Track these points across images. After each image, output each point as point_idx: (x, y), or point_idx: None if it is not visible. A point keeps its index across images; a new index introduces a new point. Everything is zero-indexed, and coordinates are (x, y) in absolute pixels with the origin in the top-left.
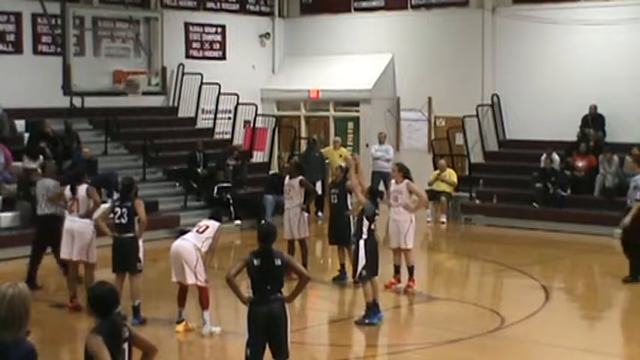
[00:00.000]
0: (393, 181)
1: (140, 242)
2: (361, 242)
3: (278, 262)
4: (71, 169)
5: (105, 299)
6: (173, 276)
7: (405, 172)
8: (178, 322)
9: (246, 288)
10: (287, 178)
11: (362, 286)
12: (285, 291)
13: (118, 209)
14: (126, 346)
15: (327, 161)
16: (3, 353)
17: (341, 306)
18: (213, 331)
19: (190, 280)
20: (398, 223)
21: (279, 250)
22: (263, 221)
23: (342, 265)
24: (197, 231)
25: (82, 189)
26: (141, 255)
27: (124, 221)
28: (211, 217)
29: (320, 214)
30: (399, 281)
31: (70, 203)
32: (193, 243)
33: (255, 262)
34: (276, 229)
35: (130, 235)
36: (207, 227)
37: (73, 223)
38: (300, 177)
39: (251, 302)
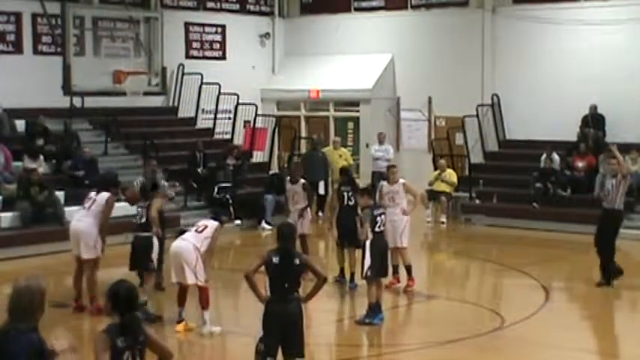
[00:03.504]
0: (384, 182)
1: (155, 242)
2: (367, 243)
3: (297, 261)
4: (71, 169)
5: (125, 297)
6: (173, 276)
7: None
8: (178, 322)
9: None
10: (289, 183)
11: (367, 286)
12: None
13: (139, 209)
14: (140, 348)
15: None
16: (10, 340)
17: (342, 305)
18: (213, 331)
19: (190, 280)
20: (394, 223)
21: (298, 251)
22: (263, 221)
23: (342, 269)
24: (196, 230)
25: (104, 195)
26: (154, 255)
27: (142, 221)
28: (212, 217)
29: (321, 213)
30: (398, 281)
31: (89, 202)
32: (192, 243)
33: (275, 259)
34: (296, 228)
35: (147, 234)
36: (206, 227)
37: (78, 222)
38: (302, 181)
39: (268, 301)
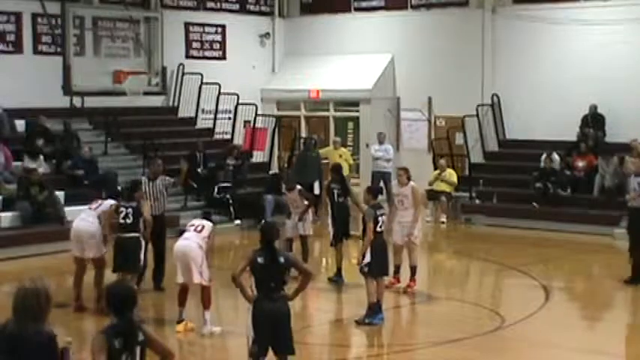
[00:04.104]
0: (394, 182)
1: (143, 242)
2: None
3: (282, 259)
4: (71, 169)
5: (122, 298)
6: (179, 277)
7: (409, 175)
8: (178, 322)
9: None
10: (286, 192)
11: (366, 286)
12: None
13: (123, 209)
14: (138, 349)
15: (326, 161)
16: (20, 340)
17: (341, 305)
18: (214, 331)
19: (196, 279)
20: (403, 224)
21: (282, 249)
22: (262, 221)
23: (339, 269)
24: (195, 230)
25: (110, 202)
26: (142, 256)
27: (128, 221)
28: (204, 217)
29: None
30: (398, 281)
31: (95, 204)
32: (196, 242)
33: (259, 260)
34: (277, 226)
35: (135, 235)
36: (204, 226)
37: (81, 221)
38: (299, 187)
39: (255, 300)
